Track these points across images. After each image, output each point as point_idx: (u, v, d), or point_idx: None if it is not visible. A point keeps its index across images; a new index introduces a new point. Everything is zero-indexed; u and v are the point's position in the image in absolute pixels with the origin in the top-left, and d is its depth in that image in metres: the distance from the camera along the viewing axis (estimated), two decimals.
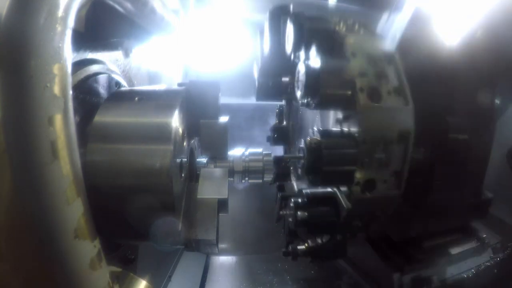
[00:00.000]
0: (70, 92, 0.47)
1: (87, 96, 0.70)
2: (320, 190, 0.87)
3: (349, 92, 0.73)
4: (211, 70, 1.94)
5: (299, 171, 0.83)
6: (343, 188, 0.79)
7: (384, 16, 1.88)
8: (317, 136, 0.78)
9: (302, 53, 0.90)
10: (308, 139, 0.77)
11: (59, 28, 0.44)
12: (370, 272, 1.27)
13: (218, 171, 0.78)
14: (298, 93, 0.80)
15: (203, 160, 0.80)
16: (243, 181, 0.90)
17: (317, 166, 0.76)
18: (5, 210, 0.52)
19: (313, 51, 0.82)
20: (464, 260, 1.05)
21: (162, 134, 0.63)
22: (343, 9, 2.05)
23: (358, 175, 0.74)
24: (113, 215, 0.63)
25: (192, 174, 0.80)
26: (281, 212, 1.10)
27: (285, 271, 1.67)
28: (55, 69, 0.44)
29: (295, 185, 1.30)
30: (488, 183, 1.08)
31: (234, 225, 1.82)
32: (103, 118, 0.65)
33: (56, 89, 0.44)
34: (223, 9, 1.86)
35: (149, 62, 1.15)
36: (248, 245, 1.87)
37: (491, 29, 1.01)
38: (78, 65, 0.69)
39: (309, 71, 0.77)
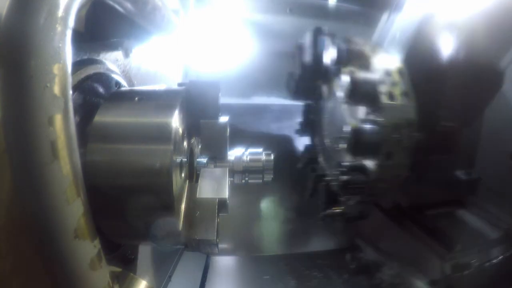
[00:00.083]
0: (70, 92, 0.47)
1: (87, 96, 0.70)
2: (354, 163, 1.24)
3: (375, 95, 1.14)
4: (211, 70, 1.94)
5: (342, 148, 1.24)
6: (372, 161, 1.19)
7: (384, 16, 1.89)
8: (358, 124, 1.20)
9: (341, 67, 1.31)
10: (353, 125, 1.18)
11: (59, 28, 0.44)
12: (411, 262, 1.45)
13: (218, 171, 0.78)
14: (340, 94, 1.27)
15: (203, 160, 0.80)
16: (243, 181, 0.90)
17: (359, 142, 1.15)
18: (5, 210, 0.52)
19: (350, 66, 1.25)
20: (492, 248, 1.24)
21: (162, 134, 0.63)
22: (343, 9, 2.05)
23: (382, 149, 1.14)
24: (113, 215, 0.63)
25: (192, 174, 0.80)
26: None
27: (286, 271, 1.68)
28: (55, 69, 0.44)
29: (324, 166, 1.69)
30: (489, 184, 1.22)
31: None
32: (103, 118, 0.65)
33: (56, 89, 0.44)
34: (223, 9, 1.86)
35: (149, 62, 1.15)
36: None
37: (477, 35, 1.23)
38: (78, 65, 0.69)
39: (352, 81, 1.17)
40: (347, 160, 1.32)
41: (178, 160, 0.67)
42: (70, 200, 0.46)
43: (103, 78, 0.77)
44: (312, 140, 1.84)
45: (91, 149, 0.62)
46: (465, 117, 1.20)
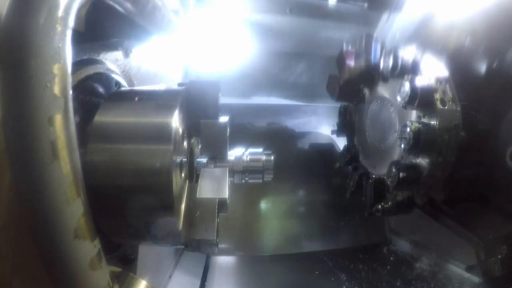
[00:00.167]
0: (70, 92, 0.47)
1: (87, 96, 0.70)
2: (410, 162, 1.44)
3: (431, 101, 1.34)
4: (211, 70, 1.94)
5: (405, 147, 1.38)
6: (426, 159, 1.38)
7: (384, 16, 1.89)
8: (416, 126, 1.34)
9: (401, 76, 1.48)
10: (413, 126, 1.34)
11: (59, 28, 0.44)
12: (448, 251, 1.64)
13: (218, 171, 0.78)
14: (399, 99, 1.43)
15: (203, 160, 0.80)
16: (243, 181, 0.90)
17: (418, 142, 1.32)
18: (5, 210, 0.52)
19: (407, 77, 1.41)
20: None
21: (162, 134, 0.63)
22: (343, 9, 2.05)
23: (435, 149, 1.33)
24: (113, 215, 0.63)
25: (192, 174, 0.80)
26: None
27: (287, 270, 1.71)
28: (55, 69, 0.44)
29: (365, 164, 1.86)
30: (489, 183, 1.40)
31: None
32: (103, 118, 0.65)
33: (56, 89, 0.44)
34: (223, 9, 1.86)
35: (149, 62, 1.15)
36: None
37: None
38: (78, 65, 0.69)
39: (413, 88, 1.36)
40: (396, 158, 1.53)
41: (178, 160, 0.67)
42: (70, 200, 0.46)
43: (103, 78, 0.77)
44: (351, 140, 1.97)
45: (91, 149, 0.62)
46: (495, 120, 1.36)
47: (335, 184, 2.10)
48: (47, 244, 0.46)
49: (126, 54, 0.95)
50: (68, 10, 0.46)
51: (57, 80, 0.44)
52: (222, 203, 0.73)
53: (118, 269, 0.66)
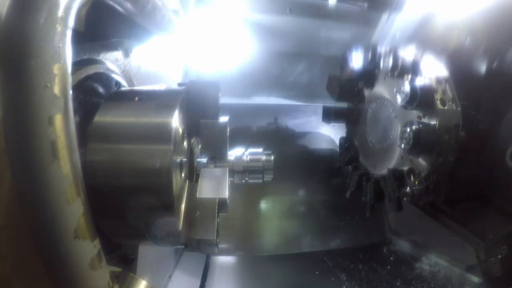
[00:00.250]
0: (70, 92, 0.47)
1: (87, 96, 0.70)
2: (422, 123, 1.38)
3: (431, 101, 1.33)
4: (211, 70, 1.94)
5: (405, 147, 1.39)
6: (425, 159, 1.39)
7: (384, 16, 1.89)
8: (416, 126, 1.35)
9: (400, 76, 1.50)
10: (413, 127, 1.35)
11: (59, 28, 0.44)
12: (448, 251, 1.63)
13: (218, 171, 0.78)
14: (399, 99, 1.43)
15: (203, 160, 0.80)
16: (243, 181, 0.90)
17: (419, 142, 1.33)
18: (5, 210, 0.52)
19: (407, 77, 1.43)
20: None
21: (162, 134, 0.63)
22: (343, 9, 2.05)
23: (435, 148, 1.33)
24: (113, 215, 0.63)
25: (192, 174, 0.80)
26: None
27: (287, 270, 1.71)
28: (55, 69, 0.44)
29: (365, 164, 1.86)
30: (489, 183, 1.40)
31: None
32: (103, 118, 0.65)
33: (56, 89, 0.44)
34: (223, 9, 1.86)
35: (149, 62, 1.15)
36: None
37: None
38: (78, 65, 0.69)
39: (413, 88, 1.36)
40: (397, 159, 1.55)
41: (178, 160, 0.67)
42: (70, 200, 0.46)
43: (103, 78, 0.77)
44: (351, 140, 1.97)
45: (91, 149, 0.62)
46: (495, 120, 1.36)
47: (335, 184, 2.10)
48: (47, 244, 0.46)
49: (126, 54, 0.95)
50: (68, 10, 0.46)
51: (57, 80, 0.44)
52: (222, 203, 0.73)
53: (118, 269, 0.66)
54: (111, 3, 0.64)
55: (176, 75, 1.60)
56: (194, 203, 0.71)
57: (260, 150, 0.91)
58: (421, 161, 1.42)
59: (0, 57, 0.42)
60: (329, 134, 2.36)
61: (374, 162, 1.76)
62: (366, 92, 1.82)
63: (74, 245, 0.47)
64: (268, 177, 0.91)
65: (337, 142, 2.11)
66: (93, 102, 0.71)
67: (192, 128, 0.78)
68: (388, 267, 1.75)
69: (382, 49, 1.65)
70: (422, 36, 1.56)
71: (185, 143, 0.74)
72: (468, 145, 1.37)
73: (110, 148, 0.63)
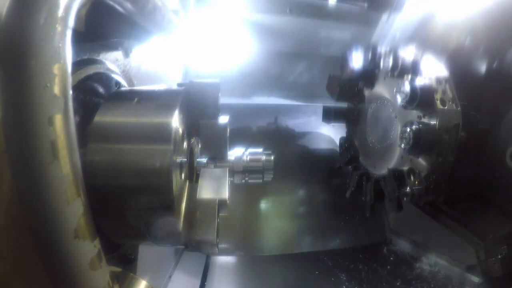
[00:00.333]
0: (70, 92, 0.47)
1: (87, 96, 0.70)
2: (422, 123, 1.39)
3: (431, 101, 1.33)
4: (211, 70, 1.94)
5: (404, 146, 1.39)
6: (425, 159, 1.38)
7: (384, 16, 1.89)
8: (416, 126, 1.35)
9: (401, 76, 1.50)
10: (413, 127, 1.35)
11: (59, 28, 0.44)
12: (448, 251, 1.64)
13: (218, 171, 0.78)
14: (399, 99, 1.43)
15: (203, 160, 0.80)
16: (243, 181, 0.90)
17: (418, 142, 1.33)
18: (5, 210, 0.52)
19: (407, 77, 1.43)
20: None
21: (162, 134, 0.63)
22: (343, 9, 2.05)
23: (435, 148, 1.33)
24: (113, 215, 0.63)
25: (192, 174, 0.80)
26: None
27: (287, 270, 1.71)
28: (55, 69, 0.44)
29: (365, 164, 1.86)
30: (489, 183, 1.41)
31: None
32: (103, 118, 0.65)
33: (56, 89, 0.44)
34: (223, 9, 1.86)
35: (149, 62, 1.15)
36: None
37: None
38: (78, 65, 0.69)
39: (413, 88, 1.36)
40: (397, 159, 1.55)
41: (178, 160, 0.67)
42: (70, 200, 0.46)
43: (103, 78, 0.77)
44: (351, 140, 1.98)
45: (91, 149, 0.62)
46: (495, 120, 1.37)
47: (335, 184, 2.10)
48: (47, 244, 0.46)
49: (126, 54, 0.95)
50: (68, 10, 0.46)
51: (57, 80, 0.44)
52: (222, 203, 0.73)
53: (118, 269, 0.66)
54: (111, 3, 0.64)
55: (176, 75, 1.60)
56: (194, 203, 0.71)
57: (260, 150, 0.91)
58: (421, 161, 1.42)
59: (0, 57, 0.42)
60: (329, 134, 2.35)
61: (374, 162, 1.77)
62: (366, 92, 1.82)
63: (74, 245, 0.47)
64: (268, 177, 0.91)
65: (337, 142, 2.11)
66: (93, 102, 0.71)
67: (192, 128, 0.78)
68: (388, 267, 1.75)
69: (382, 49, 1.66)
70: (422, 36, 1.56)
71: (185, 143, 0.74)
72: (468, 145, 1.37)
73: (110, 148, 0.63)
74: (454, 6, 1.46)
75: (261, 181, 0.91)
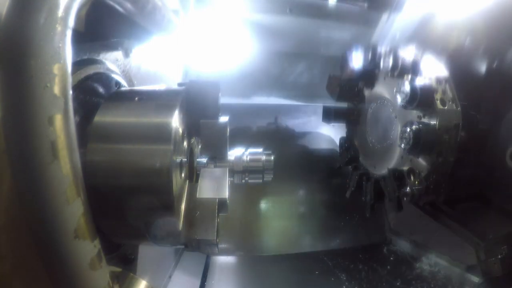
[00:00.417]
0: (70, 92, 0.47)
1: (87, 96, 0.70)
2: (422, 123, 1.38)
3: (431, 101, 1.33)
4: (211, 70, 1.94)
5: (405, 147, 1.38)
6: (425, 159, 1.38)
7: (384, 16, 1.89)
8: (416, 126, 1.35)
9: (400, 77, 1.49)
10: (413, 127, 1.34)
11: (59, 28, 0.44)
12: (448, 251, 1.63)
13: (218, 171, 0.78)
14: (399, 99, 1.43)
15: (203, 160, 0.80)
16: (243, 181, 0.90)
17: (419, 142, 1.32)
18: (5, 210, 0.52)
19: (407, 77, 1.43)
20: None
21: (162, 134, 0.63)
22: (343, 9, 2.05)
23: (435, 148, 1.33)
24: (113, 215, 0.63)
25: (192, 174, 0.80)
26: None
27: (288, 270, 1.71)
28: (55, 69, 0.44)
29: (365, 164, 1.85)
30: (489, 183, 1.41)
31: None
32: (103, 118, 0.65)
33: (56, 89, 0.44)
34: (223, 9, 1.86)
35: (149, 62, 1.15)
36: None
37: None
38: (78, 65, 0.69)
39: (413, 88, 1.35)
40: (397, 158, 1.54)
41: (178, 160, 0.67)
42: (70, 200, 0.46)
43: (103, 78, 0.77)
44: (351, 140, 1.97)
45: (91, 149, 0.62)
46: (495, 120, 1.37)
47: (335, 184, 2.10)
48: (47, 244, 0.46)
49: (126, 54, 0.95)
50: (68, 10, 0.46)
51: (57, 80, 0.44)
52: (222, 203, 0.73)
53: (118, 269, 0.66)
54: (111, 3, 0.65)
55: (176, 75, 1.60)
56: (194, 203, 0.71)
57: (260, 150, 0.91)
58: (421, 161, 1.41)
59: (0, 57, 0.42)
60: (329, 134, 2.36)
61: (374, 162, 1.76)
62: (366, 92, 1.82)
63: (74, 245, 0.47)
64: (268, 177, 0.91)
65: (337, 142, 2.10)
66: (93, 102, 0.71)
67: (192, 128, 0.78)
68: (388, 267, 1.75)
69: (382, 49, 1.66)
70: (422, 36, 1.56)
71: (185, 143, 0.74)
72: (468, 145, 1.37)
73: (110, 148, 0.63)
74: (454, 6, 1.46)
75: (261, 181, 0.90)
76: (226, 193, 0.72)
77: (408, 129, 1.35)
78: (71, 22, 0.46)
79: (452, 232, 1.48)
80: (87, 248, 0.49)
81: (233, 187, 0.80)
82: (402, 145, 1.40)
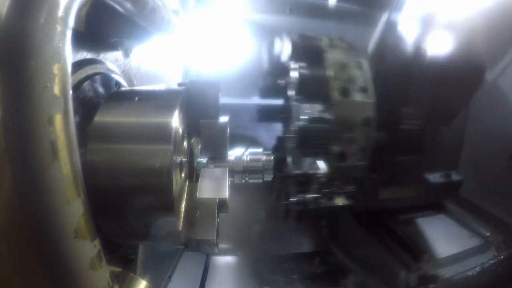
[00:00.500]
0: (70, 92, 0.47)
1: (87, 96, 0.70)
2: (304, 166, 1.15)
3: (327, 91, 1.06)
4: (211, 70, 1.94)
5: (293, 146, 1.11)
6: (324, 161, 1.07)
7: (384, 16, 1.89)
8: (306, 122, 1.09)
9: (294, 63, 1.21)
10: (300, 123, 1.07)
11: (59, 28, 0.44)
12: (376, 270, 1.35)
13: (218, 171, 0.78)
14: (291, 93, 1.13)
15: (203, 160, 0.80)
16: (243, 181, 0.90)
17: (305, 142, 1.09)
18: (5, 210, 0.52)
19: (302, 62, 1.15)
20: (469, 258, 1.15)
21: (162, 134, 0.63)
22: (343, 9, 2.06)
23: (334, 149, 1.08)
24: (113, 215, 0.63)
25: (192, 174, 0.80)
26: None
27: (288, 270, 1.69)
28: (55, 69, 0.44)
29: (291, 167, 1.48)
30: (488, 183, 1.18)
31: None
32: (103, 118, 0.65)
33: (56, 89, 0.44)
34: (223, 9, 1.86)
35: (149, 62, 1.15)
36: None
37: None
38: (78, 65, 0.69)
39: (301, 77, 1.08)
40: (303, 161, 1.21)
41: (178, 160, 0.67)
42: (70, 200, 0.46)
43: (103, 78, 0.77)
44: (282, 140, 1.68)
45: (91, 149, 0.62)
46: (439, 116, 1.14)
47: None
48: (47, 244, 0.46)
49: (126, 54, 0.95)
50: (68, 10, 0.46)
51: (57, 80, 0.44)
52: (222, 203, 0.73)
53: (118, 269, 0.66)
54: (111, 3, 0.65)
55: (176, 75, 1.60)
56: (194, 203, 0.71)
57: (260, 150, 0.91)
58: (321, 164, 1.12)
59: (0, 57, 0.42)
60: None
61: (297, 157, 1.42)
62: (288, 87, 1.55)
63: (74, 245, 0.47)
64: (268, 177, 0.91)
65: None
66: (93, 102, 0.71)
67: (192, 128, 0.78)
68: (308, 281, 1.52)
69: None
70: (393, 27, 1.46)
71: (185, 143, 0.74)
72: (396, 145, 1.10)
73: (110, 148, 0.63)
74: (454, 6, 1.46)
75: (261, 181, 0.90)
76: (226, 193, 0.72)
77: (295, 127, 1.09)
78: (71, 22, 0.46)
79: (383, 247, 1.22)
80: (87, 248, 0.49)
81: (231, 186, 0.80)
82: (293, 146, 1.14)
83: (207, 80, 0.80)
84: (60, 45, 0.44)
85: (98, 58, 0.79)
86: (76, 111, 0.52)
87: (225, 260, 1.80)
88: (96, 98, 0.73)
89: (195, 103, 0.77)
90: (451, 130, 1.14)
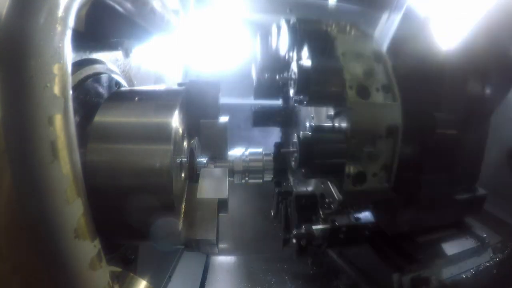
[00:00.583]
0: (70, 92, 0.47)
1: (87, 96, 0.70)
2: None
3: (339, 90, 0.77)
4: (211, 70, 1.94)
5: (293, 164, 0.84)
6: (335, 184, 0.83)
7: (384, 16, 1.88)
8: (309, 131, 0.82)
9: (295, 54, 0.94)
10: (301, 133, 0.80)
11: (59, 28, 0.44)
12: (369, 272, 1.28)
13: (218, 171, 0.78)
14: (292, 91, 0.84)
15: (203, 160, 0.80)
16: (243, 181, 0.90)
17: (309, 159, 0.78)
18: (5, 210, 0.52)
19: (305, 51, 0.87)
20: (464, 260, 1.07)
21: (162, 134, 0.63)
22: (343, 9, 2.06)
23: (349, 169, 0.77)
24: (113, 215, 0.63)
25: (192, 174, 0.80)
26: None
27: (284, 271, 1.69)
28: (55, 69, 0.44)
29: (291, 180, 1.30)
30: (488, 183, 1.15)
31: None
32: (103, 118, 0.65)
33: (56, 89, 0.44)
34: (223, 9, 1.86)
35: (149, 62, 1.15)
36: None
37: (483, 29, 1.01)
38: (78, 65, 0.69)
39: (301, 70, 0.79)
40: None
41: (178, 160, 0.67)
42: (70, 200, 0.46)
43: (103, 78, 0.77)
44: (282, 146, 1.46)
45: (91, 149, 0.62)
46: (470, 121, 0.91)
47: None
48: (47, 244, 0.46)
49: (126, 54, 0.95)
50: (68, 10, 0.46)
51: (57, 80, 0.44)
52: (222, 203, 0.73)
53: (118, 269, 0.66)
54: (111, 3, 0.65)
55: (176, 75, 1.60)
56: (194, 203, 0.71)
57: (260, 150, 0.91)
58: (331, 187, 0.86)
59: (0, 57, 0.42)
60: None
61: (298, 176, 1.22)
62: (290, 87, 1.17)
63: (74, 245, 0.47)
64: (268, 177, 0.91)
65: None
66: (93, 102, 0.71)
67: (192, 128, 0.78)
68: (300, 281, 1.49)
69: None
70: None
71: (185, 143, 0.74)
72: (425, 161, 0.85)
73: (110, 148, 0.63)
74: (454, 6, 1.46)
75: (261, 181, 0.90)
76: (226, 193, 0.72)
77: (295, 139, 0.82)
78: (71, 22, 0.46)
79: (376, 250, 1.10)
80: (87, 248, 0.49)
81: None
82: (292, 163, 0.87)
83: (207, 80, 0.80)
84: (60, 45, 0.44)
85: (98, 58, 0.79)
86: (76, 111, 0.52)
87: (225, 260, 1.80)
88: (96, 98, 0.73)
89: (195, 103, 0.77)
90: (475, 137, 0.93)
